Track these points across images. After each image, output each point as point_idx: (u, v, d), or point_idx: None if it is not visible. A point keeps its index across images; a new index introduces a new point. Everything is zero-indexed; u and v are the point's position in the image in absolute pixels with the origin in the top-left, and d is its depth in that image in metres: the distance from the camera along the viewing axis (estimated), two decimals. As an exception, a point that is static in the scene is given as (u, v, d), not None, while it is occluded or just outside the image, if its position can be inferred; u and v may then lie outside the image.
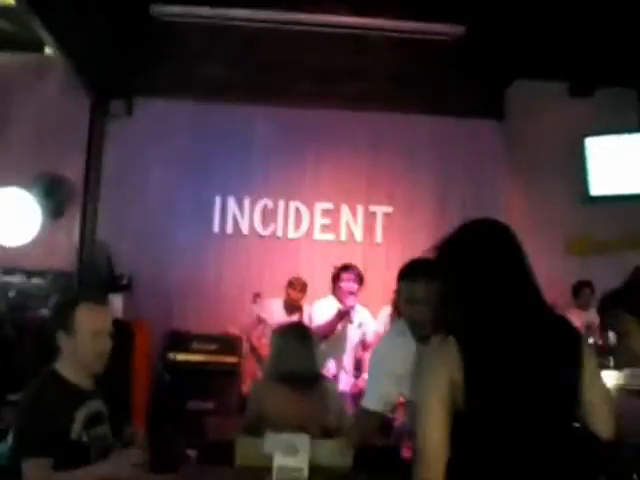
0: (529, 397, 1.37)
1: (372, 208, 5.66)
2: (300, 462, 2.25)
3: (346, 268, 4.51)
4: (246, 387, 4.69)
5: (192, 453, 3.69)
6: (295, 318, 4.63)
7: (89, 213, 5.45)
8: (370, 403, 2.34)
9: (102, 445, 2.08)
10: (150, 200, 5.47)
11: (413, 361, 2.09)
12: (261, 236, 5.60)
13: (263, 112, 5.55)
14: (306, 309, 4.69)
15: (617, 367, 2.83)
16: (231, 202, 5.58)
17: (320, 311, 4.40)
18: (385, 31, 5.16)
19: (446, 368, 1.37)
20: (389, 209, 5.66)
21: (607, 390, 1.55)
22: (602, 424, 1.43)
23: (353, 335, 4.49)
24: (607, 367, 3.45)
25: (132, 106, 5.60)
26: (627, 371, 3.73)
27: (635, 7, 4.23)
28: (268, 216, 5.61)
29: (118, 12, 4.87)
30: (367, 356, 4.56)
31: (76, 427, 1.99)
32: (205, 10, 5.08)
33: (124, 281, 5.07)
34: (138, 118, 5.57)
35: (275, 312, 4.76)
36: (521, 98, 5.64)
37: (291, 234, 5.61)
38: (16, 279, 5.10)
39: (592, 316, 4.17)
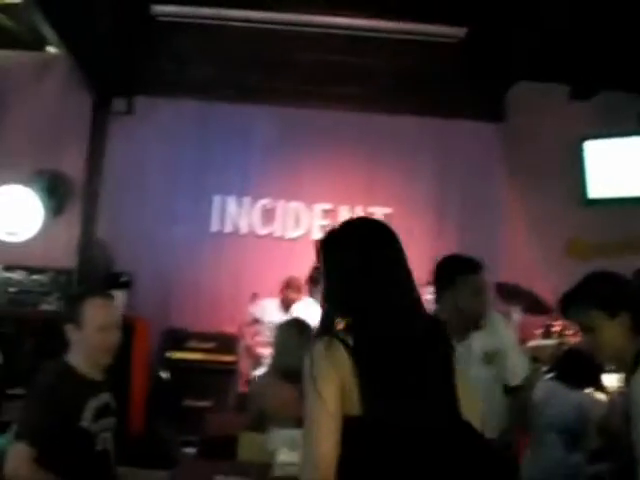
0: (419, 398, 1.36)
1: (371, 209, 5.66)
2: (303, 457, 2.26)
3: None
4: (242, 385, 4.73)
5: (190, 450, 3.72)
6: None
7: (89, 211, 5.48)
8: None
9: (107, 437, 2.14)
10: (150, 198, 5.49)
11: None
12: (260, 236, 5.62)
13: (263, 112, 5.57)
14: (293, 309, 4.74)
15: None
16: (230, 201, 5.60)
17: (300, 312, 4.41)
18: (386, 32, 5.17)
19: (337, 372, 1.32)
20: (388, 210, 5.66)
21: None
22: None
23: None
24: (608, 370, 3.50)
25: (133, 104, 5.63)
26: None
27: (636, 11, 4.24)
28: (267, 216, 5.63)
29: (120, 11, 4.90)
30: None
31: (86, 416, 2.06)
32: (205, 10, 5.10)
33: (124, 278, 5.10)
34: (139, 116, 5.60)
35: (270, 312, 4.81)
36: (521, 100, 5.64)
37: (290, 234, 5.63)
38: (17, 275, 5.13)
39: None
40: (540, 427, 3.02)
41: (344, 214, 5.63)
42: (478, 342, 2.50)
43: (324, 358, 1.34)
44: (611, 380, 3.32)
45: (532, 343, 4.48)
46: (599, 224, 5.55)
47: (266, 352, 4.28)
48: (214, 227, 5.60)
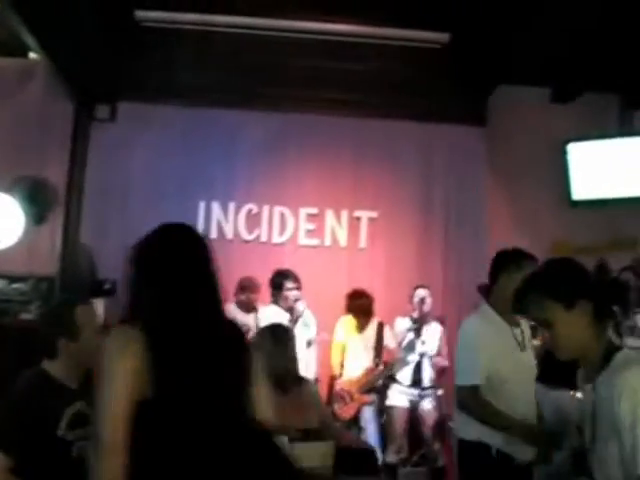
0: (208, 388, 1.46)
1: (357, 213, 5.67)
2: (278, 464, 2.23)
3: (286, 276, 4.67)
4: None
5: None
6: (252, 318, 4.75)
7: (72, 218, 5.43)
8: (468, 379, 2.52)
9: (83, 445, 2.09)
10: (133, 205, 5.44)
11: (505, 341, 2.59)
12: (245, 241, 5.59)
13: (247, 117, 5.55)
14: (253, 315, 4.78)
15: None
16: (215, 207, 5.57)
17: (266, 318, 4.43)
18: (370, 38, 5.19)
19: (130, 358, 1.40)
20: (374, 214, 5.67)
21: (266, 386, 1.68)
22: (263, 414, 1.56)
23: (299, 334, 4.58)
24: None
25: (116, 111, 5.59)
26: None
27: (617, 13, 4.29)
28: (252, 221, 5.60)
29: (103, 17, 4.86)
30: (312, 354, 4.82)
31: (62, 425, 2.05)
32: (190, 16, 5.09)
33: (107, 286, 5.04)
34: (122, 123, 5.56)
35: (231, 315, 4.81)
36: (504, 104, 5.68)
37: (276, 239, 5.61)
38: (-3, 283, 5.06)
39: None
40: None
41: (330, 218, 5.64)
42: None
43: (120, 344, 1.44)
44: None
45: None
46: (584, 226, 5.60)
47: None
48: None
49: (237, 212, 5.59)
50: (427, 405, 4.72)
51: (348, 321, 4.91)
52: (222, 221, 5.58)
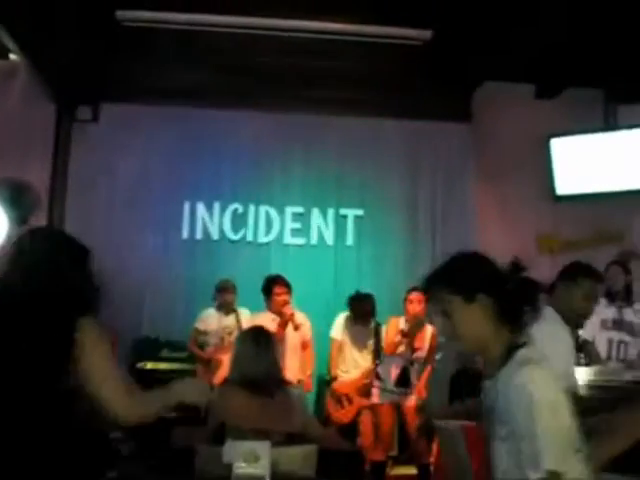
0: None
1: (343, 211, 5.66)
2: (261, 469, 2.21)
3: (275, 281, 4.67)
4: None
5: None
6: (232, 319, 4.75)
7: (55, 220, 5.38)
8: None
9: None
10: (117, 207, 5.41)
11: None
12: (231, 241, 5.57)
13: (231, 117, 5.52)
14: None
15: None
16: (200, 207, 5.54)
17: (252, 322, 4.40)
18: (353, 36, 5.16)
19: None
20: (360, 212, 5.67)
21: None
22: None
23: (292, 337, 4.62)
24: (579, 364, 3.51)
25: (98, 112, 5.54)
26: (596, 368, 3.79)
27: (600, 8, 4.29)
28: (238, 221, 5.58)
29: (84, 18, 4.80)
30: (309, 355, 4.82)
31: None
32: (172, 15, 5.03)
33: (92, 289, 4.99)
34: (104, 124, 5.52)
35: (210, 319, 4.86)
36: (489, 100, 5.69)
37: (262, 238, 5.59)
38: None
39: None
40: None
41: (316, 217, 5.63)
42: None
43: None
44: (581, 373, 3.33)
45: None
46: (568, 220, 5.62)
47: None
48: (185, 234, 5.53)
49: (222, 212, 5.57)
50: (412, 402, 4.70)
51: (346, 320, 4.87)
52: (207, 221, 5.55)
